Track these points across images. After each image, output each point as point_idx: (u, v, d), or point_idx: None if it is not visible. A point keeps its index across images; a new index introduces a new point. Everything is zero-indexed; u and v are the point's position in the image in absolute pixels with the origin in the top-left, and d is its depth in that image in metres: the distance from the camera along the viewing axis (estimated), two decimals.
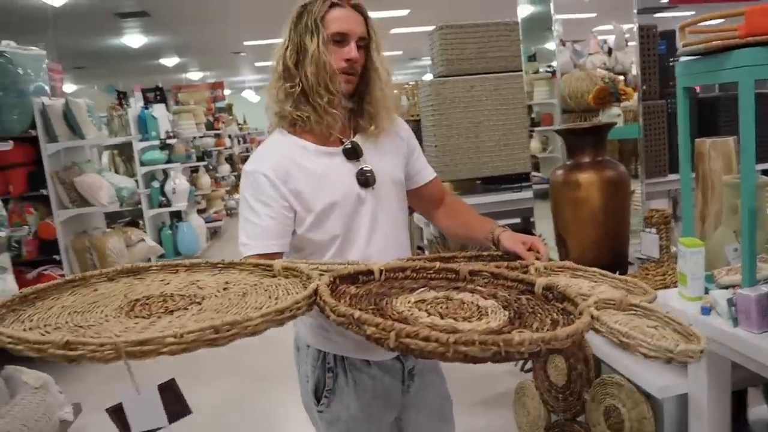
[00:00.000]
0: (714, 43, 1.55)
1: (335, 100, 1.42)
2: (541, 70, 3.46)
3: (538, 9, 3.28)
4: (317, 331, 1.50)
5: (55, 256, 4.42)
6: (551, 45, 3.09)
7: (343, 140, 1.49)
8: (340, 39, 1.41)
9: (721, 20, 1.65)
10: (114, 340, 0.74)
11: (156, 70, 14.08)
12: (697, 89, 4.18)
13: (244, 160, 4.59)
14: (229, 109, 11.54)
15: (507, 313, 0.94)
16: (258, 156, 1.48)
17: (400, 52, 14.76)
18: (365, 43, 1.46)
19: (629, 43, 3.17)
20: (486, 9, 6.08)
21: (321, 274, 1.04)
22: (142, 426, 0.84)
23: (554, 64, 3.06)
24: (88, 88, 14.59)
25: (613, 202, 2.14)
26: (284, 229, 1.44)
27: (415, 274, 1.14)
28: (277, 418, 3.26)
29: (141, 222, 6.26)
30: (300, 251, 1.50)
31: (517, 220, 4.25)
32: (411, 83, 5.24)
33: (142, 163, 6.30)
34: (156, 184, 6.46)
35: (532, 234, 2.03)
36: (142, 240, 5.07)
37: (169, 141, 6.44)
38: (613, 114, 3.11)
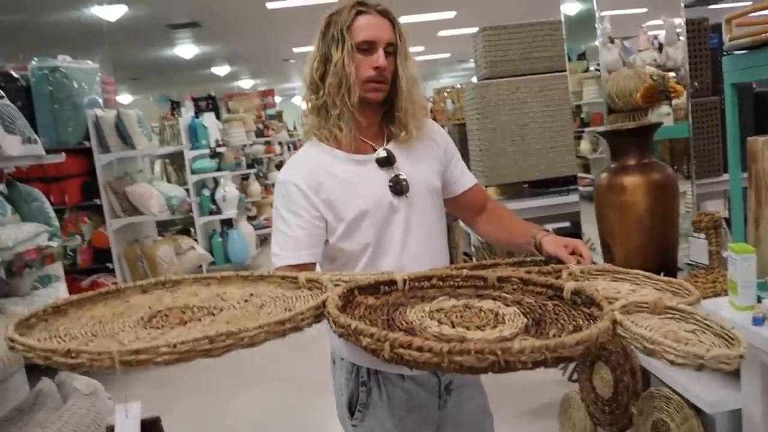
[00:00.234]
0: (763, 35, 1.46)
1: (344, 115, 1.40)
2: (591, 68, 3.37)
3: (586, 6, 3.19)
4: (350, 344, 1.48)
5: (108, 264, 4.56)
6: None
7: (376, 148, 1.47)
8: (367, 47, 1.39)
9: None
10: (110, 349, 0.74)
11: (208, 79, 14.42)
12: (753, 84, 3.99)
13: None
14: (279, 116, 11.70)
15: (525, 320, 0.90)
16: (290, 166, 1.48)
17: (448, 55, 14.69)
18: (394, 49, 1.43)
19: (681, 38, 3.04)
20: (533, 8, 5.97)
21: (336, 285, 1.02)
22: None
23: (601, 62, 2.97)
24: (143, 98, 15.05)
25: (660, 206, 2.04)
26: (315, 239, 1.43)
27: (441, 283, 1.11)
28: (318, 429, 3.26)
29: (192, 230, 6.39)
30: (333, 261, 1.49)
31: (567, 224, 4.15)
32: (456, 86, 5.17)
33: (193, 172, 6.43)
34: (207, 192, 6.58)
35: (580, 238, 1.96)
36: (192, 248, 5.17)
37: (219, 149, 6.56)
38: (662, 113, 2.99)
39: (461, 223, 4.35)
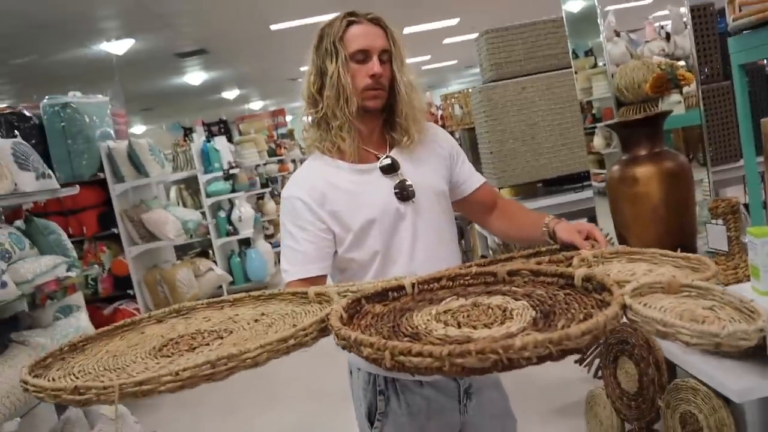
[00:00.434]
0: (766, 13, 1.43)
1: (345, 125, 1.40)
2: (599, 64, 3.34)
3: (589, 2, 3.17)
4: None
5: (129, 291, 4.60)
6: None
7: (379, 156, 1.47)
8: (361, 56, 1.39)
9: None
10: (113, 382, 0.74)
11: (219, 104, 14.58)
12: (766, 63, 3.92)
13: None
14: (290, 134, 11.77)
15: (534, 313, 0.87)
16: (293, 181, 1.48)
17: (455, 62, 14.71)
18: (389, 56, 1.42)
19: (688, 25, 3.01)
20: (536, 9, 5.95)
21: (343, 297, 1.01)
22: None
23: (605, 57, 2.94)
24: (156, 128, 15.25)
25: (675, 195, 2.01)
26: (323, 252, 1.42)
27: (451, 283, 1.08)
28: None
29: (211, 252, 6.43)
30: (343, 272, 1.48)
31: (583, 220, 4.10)
32: (463, 91, 5.16)
33: (208, 195, 6.48)
34: (222, 214, 6.63)
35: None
36: (211, 269, 5.20)
37: (232, 171, 6.61)
38: (673, 101, 2.96)
39: (476, 226, 4.34)
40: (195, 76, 10.71)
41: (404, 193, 1.43)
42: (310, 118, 1.47)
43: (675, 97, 2.96)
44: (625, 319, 0.83)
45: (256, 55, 9.87)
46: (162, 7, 6.44)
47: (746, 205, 2.21)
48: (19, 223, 3.17)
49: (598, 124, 3.70)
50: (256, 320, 1.05)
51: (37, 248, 3.08)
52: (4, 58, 7.37)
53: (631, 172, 2.05)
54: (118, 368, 0.89)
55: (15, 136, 3.48)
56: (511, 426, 1.61)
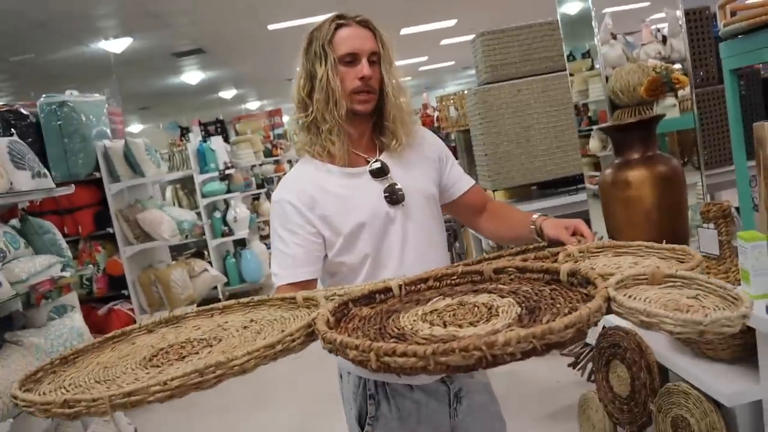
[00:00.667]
0: (757, 19, 1.44)
1: (335, 129, 1.40)
2: (596, 66, 3.35)
3: (586, 4, 3.18)
4: None
5: (124, 291, 4.59)
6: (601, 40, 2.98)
7: (369, 159, 1.47)
8: (350, 59, 1.39)
9: None
10: (103, 395, 0.75)
11: (216, 104, 14.58)
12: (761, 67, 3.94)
13: None
14: (287, 135, 11.77)
15: (519, 309, 0.87)
16: (283, 185, 1.48)
17: (452, 63, 14.73)
18: (378, 58, 1.43)
19: (683, 29, 3.02)
20: (534, 11, 5.96)
21: (330, 301, 1.01)
22: None
23: (599, 59, 2.95)
24: (153, 127, 15.24)
25: (668, 199, 2.01)
26: (313, 256, 1.42)
27: (438, 283, 1.09)
28: None
29: (206, 252, 6.42)
30: (333, 276, 1.48)
31: None
32: (459, 93, 5.17)
33: (204, 195, 6.47)
34: (218, 215, 6.62)
35: None
36: (206, 270, 5.19)
37: (227, 171, 6.60)
38: (668, 105, 2.96)
39: (469, 229, 4.35)
40: (192, 76, 10.71)
41: (394, 197, 1.44)
42: (299, 122, 1.47)
43: (670, 100, 2.96)
44: (614, 321, 0.84)
45: (254, 55, 9.88)
46: (160, 6, 6.44)
47: (738, 209, 2.22)
48: (14, 222, 3.17)
49: (594, 127, 3.70)
50: (245, 327, 1.06)
51: (32, 247, 3.08)
52: (1, 56, 7.37)
53: (623, 176, 2.06)
54: (109, 380, 0.90)
55: (12, 135, 3.47)
56: (501, 429, 1.62)
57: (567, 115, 3.73)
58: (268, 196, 8.25)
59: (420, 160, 1.53)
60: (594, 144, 3.90)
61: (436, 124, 6.24)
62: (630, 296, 0.86)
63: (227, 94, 13.65)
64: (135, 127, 15.44)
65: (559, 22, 3.22)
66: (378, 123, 1.49)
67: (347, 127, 1.43)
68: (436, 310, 0.93)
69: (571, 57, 3.41)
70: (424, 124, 6.09)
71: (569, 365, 2.77)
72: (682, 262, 1.06)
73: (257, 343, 0.83)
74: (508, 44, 3.79)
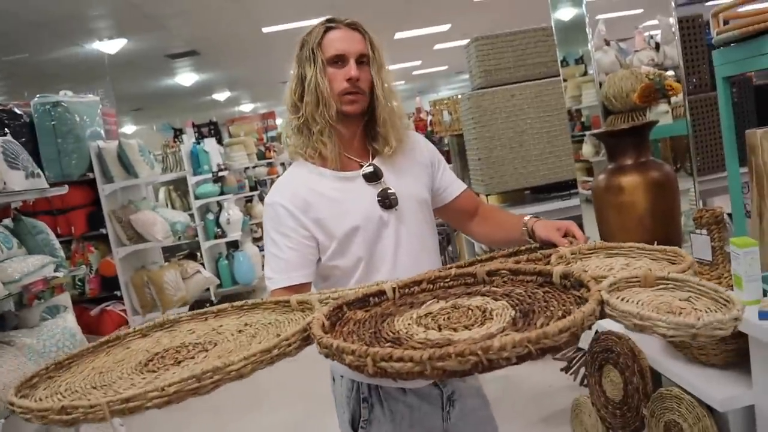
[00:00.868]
0: (749, 27, 1.46)
1: (326, 130, 1.41)
2: (589, 72, 3.37)
3: (579, 10, 3.20)
4: None
5: (116, 292, 4.57)
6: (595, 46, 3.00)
7: (362, 164, 1.48)
8: (338, 60, 1.40)
9: (763, 4, 1.56)
10: (100, 401, 0.75)
11: (209, 106, 14.55)
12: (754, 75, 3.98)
13: None
14: (280, 137, 11.75)
15: (513, 313, 0.88)
16: (276, 188, 1.48)
17: (445, 67, 14.76)
18: (367, 60, 1.43)
19: (677, 36, 3.05)
20: (528, 17, 5.99)
21: (325, 304, 1.01)
22: None
23: (593, 65, 2.97)
24: (147, 128, 15.19)
25: (661, 205, 2.03)
26: (306, 260, 1.42)
27: (431, 286, 1.10)
28: None
29: (198, 254, 6.40)
30: (326, 280, 1.48)
31: None
32: (452, 97, 5.19)
33: (197, 197, 6.45)
34: (211, 216, 6.61)
35: None
36: (198, 272, 5.18)
37: (221, 173, 6.59)
38: (660, 111, 2.99)
39: (461, 233, 4.36)
40: (186, 77, 10.69)
41: (387, 201, 1.44)
42: (292, 125, 1.48)
43: (663, 107, 2.99)
44: (607, 326, 0.85)
45: (248, 57, 9.87)
46: (155, 7, 6.43)
47: (730, 215, 2.24)
48: (7, 221, 3.15)
49: (587, 132, 3.73)
50: (240, 331, 1.06)
51: (25, 248, 3.06)
52: None
53: (616, 182, 2.07)
54: (105, 385, 0.90)
55: (5, 134, 3.46)
56: None
57: (560, 121, 3.75)
58: (261, 198, 8.25)
59: (412, 165, 1.54)
60: (587, 149, 3.92)
61: (429, 128, 6.25)
62: (623, 299, 0.87)
63: (221, 96, 13.63)
64: (128, 128, 15.38)
65: (553, 28, 3.24)
66: (369, 128, 1.49)
67: (338, 128, 1.43)
68: (431, 313, 0.93)
69: (565, 63, 3.43)
70: (417, 128, 6.10)
71: (562, 369, 2.78)
72: (673, 264, 1.07)
73: (254, 348, 0.84)
74: (502, 49, 3.82)
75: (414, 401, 1.46)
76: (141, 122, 15.86)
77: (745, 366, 1.58)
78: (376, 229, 1.42)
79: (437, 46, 11.27)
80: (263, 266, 1.49)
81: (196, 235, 6.29)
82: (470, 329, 0.84)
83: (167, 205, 6.51)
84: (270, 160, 9.25)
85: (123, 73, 8.85)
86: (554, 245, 1.33)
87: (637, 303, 0.85)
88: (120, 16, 6.60)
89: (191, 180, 6.40)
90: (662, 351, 1.87)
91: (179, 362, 0.93)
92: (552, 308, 0.87)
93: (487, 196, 3.85)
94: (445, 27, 9.63)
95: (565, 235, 1.35)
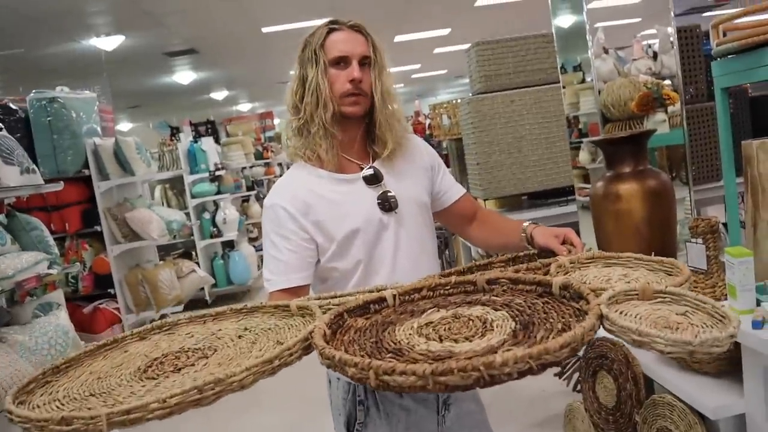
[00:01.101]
0: (749, 39, 1.46)
1: (321, 130, 1.41)
2: (587, 79, 3.38)
3: (579, 18, 3.21)
4: None
5: (110, 290, 4.55)
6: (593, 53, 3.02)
7: (362, 166, 1.48)
8: (341, 62, 1.41)
9: (763, 16, 1.57)
10: (101, 412, 0.75)
11: (207, 104, 14.54)
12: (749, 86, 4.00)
13: None
14: (278, 137, 11.75)
15: (514, 324, 0.89)
16: (276, 189, 1.48)
17: (444, 71, 14.79)
18: (369, 62, 1.44)
19: (675, 46, 3.06)
20: (527, 23, 6.02)
21: (324, 313, 1.01)
22: None
23: (593, 73, 2.99)
24: (143, 125, 15.16)
25: (657, 214, 2.04)
26: (306, 262, 1.42)
27: (432, 293, 1.10)
28: None
29: (194, 253, 6.39)
30: (324, 282, 1.48)
31: None
32: (452, 102, 5.20)
33: (193, 196, 6.44)
34: (207, 216, 6.60)
35: None
36: (193, 271, 5.16)
37: (218, 173, 6.58)
38: (658, 120, 3.00)
39: (459, 237, 4.36)
40: (184, 76, 10.67)
41: (387, 204, 1.44)
42: (292, 126, 1.48)
43: (660, 115, 3.00)
44: (604, 333, 0.85)
45: (246, 57, 9.86)
46: (154, 5, 6.42)
47: (725, 225, 2.25)
48: (0, 217, 3.14)
49: (584, 139, 3.74)
50: (239, 336, 1.06)
51: (19, 244, 3.05)
52: None
53: (614, 189, 2.08)
54: (104, 392, 0.89)
55: (0, 129, 3.45)
56: None
57: (559, 127, 3.76)
58: (258, 198, 8.24)
59: (412, 168, 1.54)
60: (583, 156, 3.93)
61: (428, 132, 6.26)
62: (621, 312, 0.88)
63: (219, 95, 13.62)
64: (124, 126, 15.35)
65: (554, 35, 3.25)
66: (369, 130, 1.50)
67: (336, 130, 1.43)
68: (431, 322, 0.94)
69: (563, 70, 3.44)
70: (415, 132, 6.11)
71: (555, 375, 2.78)
72: (670, 275, 1.08)
73: (255, 360, 0.84)
74: (502, 55, 3.83)
75: (410, 404, 1.46)
76: (137, 120, 15.83)
77: (738, 374, 1.59)
78: (375, 231, 1.42)
79: (437, 50, 11.30)
80: (258, 266, 1.49)
81: (192, 234, 6.28)
82: (471, 341, 0.85)
83: (163, 203, 6.50)
84: (267, 160, 9.24)
85: (120, 70, 8.83)
86: (553, 251, 1.34)
87: (636, 317, 0.86)
88: (118, 12, 6.59)
89: (188, 179, 6.39)
90: (656, 358, 1.87)
91: (179, 369, 0.93)
92: (551, 320, 0.88)
93: (484, 200, 3.86)
94: (445, 31, 9.65)
95: (564, 242, 1.35)
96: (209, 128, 10.91)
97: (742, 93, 3.37)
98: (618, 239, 2.08)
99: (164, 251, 6.02)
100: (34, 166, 3.21)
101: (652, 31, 3.23)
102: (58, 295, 3.23)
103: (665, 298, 0.92)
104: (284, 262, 1.40)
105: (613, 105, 2.93)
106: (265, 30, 8.00)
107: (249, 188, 8.04)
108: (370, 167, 1.47)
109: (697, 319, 0.84)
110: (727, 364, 1.68)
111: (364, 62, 1.43)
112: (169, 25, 7.37)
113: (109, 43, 7.45)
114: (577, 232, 3.46)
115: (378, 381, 0.72)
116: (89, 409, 0.82)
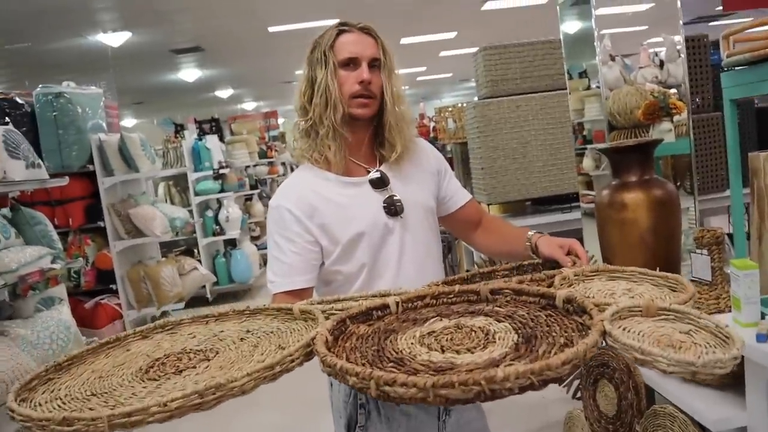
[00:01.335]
0: (761, 51, 1.46)
1: (331, 132, 1.41)
2: (593, 86, 3.38)
3: (585, 24, 3.21)
4: None
5: (112, 286, 4.56)
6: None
7: (369, 170, 1.48)
8: (350, 63, 1.40)
9: None
10: (102, 414, 0.76)
11: (211, 102, 14.55)
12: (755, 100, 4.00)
13: None
14: (282, 137, 11.75)
15: (516, 337, 0.88)
16: (282, 191, 1.48)
17: (450, 74, 14.79)
18: (379, 65, 1.44)
19: (682, 55, 3.06)
20: (534, 28, 6.01)
21: (327, 318, 1.01)
22: None
23: (600, 80, 2.98)
24: (147, 122, 15.17)
25: (663, 223, 2.03)
26: (310, 264, 1.42)
27: (435, 301, 1.09)
28: None
29: (196, 250, 6.39)
30: (328, 284, 1.48)
31: None
32: (457, 105, 5.20)
33: (197, 193, 6.44)
34: (210, 213, 6.60)
35: None
36: (195, 268, 5.17)
37: (222, 171, 6.58)
38: (664, 129, 3.00)
39: (463, 242, 4.36)
40: (189, 73, 10.68)
41: (393, 208, 1.44)
42: (300, 128, 1.48)
43: (666, 125, 3.00)
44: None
45: (252, 55, 9.87)
46: (160, 2, 6.43)
47: (730, 236, 2.25)
48: (5, 211, 3.15)
49: (589, 146, 3.74)
50: (241, 339, 1.06)
51: (23, 238, 3.06)
52: None
53: (620, 198, 2.07)
54: (105, 392, 0.90)
55: (6, 123, 3.45)
56: None
57: (564, 133, 3.76)
58: (261, 197, 8.25)
59: (419, 172, 1.54)
60: (587, 163, 3.93)
61: (432, 135, 6.26)
62: (624, 328, 0.88)
63: (224, 93, 13.63)
64: (128, 122, 15.35)
65: (562, 42, 3.25)
66: (377, 134, 1.49)
67: (344, 132, 1.43)
68: (434, 332, 0.94)
69: (568, 75, 3.44)
70: (419, 134, 6.12)
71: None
72: (674, 291, 1.08)
73: (256, 365, 0.84)
74: (509, 60, 3.83)
75: (411, 409, 1.45)
76: (142, 116, 15.84)
77: (741, 387, 1.59)
78: (381, 235, 1.42)
79: (443, 53, 11.30)
80: (261, 265, 1.49)
81: (194, 232, 6.29)
82: (473, 352, 0.84)
83: (166, 200, 6.50)
84: (271, 160, 9.25)
85: (126, 66, 8.83)
86: (557, 261, 1.33)
87: (639, 334, 0.86)
88: (125, 8, 6.60)
89: (192, 176, 6.39)
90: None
91: (180, 371, 0.93)
92: (554, 334, 0.87)
93: (488, 205, 3.85)
94: (452, 34, 9.65)
95: (568, 253, 1.35)
96: (214, 126, 10.91)
97: (748, 104, 3.37)
98: (622, 248, 2.07)
99: (166, 248, 6.03)
100: (40, 161, 3.22)
101: (659, 39, 3.22)
102: (60, 290, 3.23)
103: (669, 315, 0.92)
104: (288, 264, 1.40)
105: (619, 113, 2.92)
106: (271, 29, 8.01)
107: (252, 187, 8.05)
108: (376, 171, 1.47)
109: (700, 338, 0.84)
110: (730, 377, 1.67)
111: (374, 64, 1.42)
112: (175, 23, 7.38)
113: (115, 39, 7.47)
114: (581, 240, 3.44)
115: (379, 391, 0.72)
116: (91, 410, 0.83)
